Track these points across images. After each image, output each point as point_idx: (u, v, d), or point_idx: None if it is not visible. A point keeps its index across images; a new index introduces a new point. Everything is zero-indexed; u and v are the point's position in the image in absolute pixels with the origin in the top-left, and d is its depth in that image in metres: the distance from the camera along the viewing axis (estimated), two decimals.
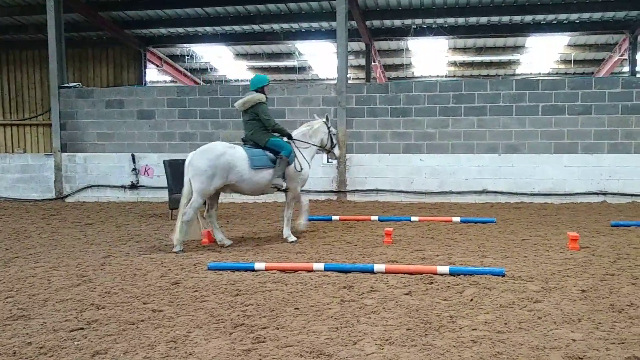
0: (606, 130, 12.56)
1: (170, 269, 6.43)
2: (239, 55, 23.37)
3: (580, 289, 5.28)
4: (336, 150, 9.11)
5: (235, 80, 26.97)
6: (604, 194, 12.57)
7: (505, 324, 4.35)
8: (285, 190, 8.29)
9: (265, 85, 8.43)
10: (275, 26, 19.16)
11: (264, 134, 8.17)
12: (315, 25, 18.99)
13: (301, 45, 21.50)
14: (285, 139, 8.37)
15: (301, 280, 5.79)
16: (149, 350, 3.92)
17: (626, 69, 21.03)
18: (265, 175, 8.00)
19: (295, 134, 8.59)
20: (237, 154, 7.86)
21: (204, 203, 8.07)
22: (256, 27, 19.34)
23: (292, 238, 8.23)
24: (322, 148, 8.92)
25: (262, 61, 24.08)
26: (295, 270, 6.17)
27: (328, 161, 13.43)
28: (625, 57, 20.01)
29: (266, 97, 8.34)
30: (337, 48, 14.00)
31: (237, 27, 19.45)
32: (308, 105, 13.65)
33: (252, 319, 4.55)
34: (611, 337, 4.01)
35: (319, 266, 6.19)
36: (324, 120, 8.91)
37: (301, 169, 8.33)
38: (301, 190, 8.60)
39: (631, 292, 5.17)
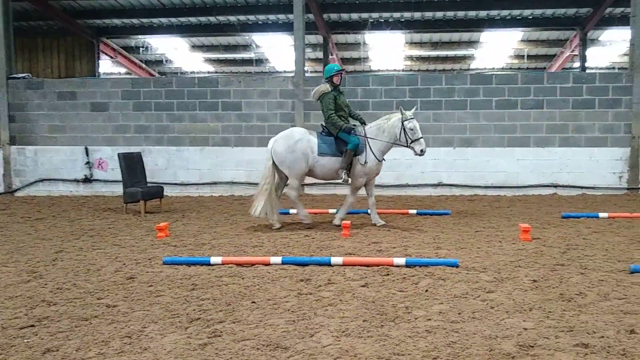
0: (557, 124, 12.87)
1: (124, 264, 6.33)
2: (195, 47, 23.10)
3: (532, 279, 5.42)
4: (416, 146, 8.39)
5: (191, 73, 26.65)
6: (555, 186, 12.88)
7: (459, 313, 4.43)
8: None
9: (335, 75, 8.63)
10: (232, 18, 19.00)
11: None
12: (272, 17, 18.91)
13: (258, 38, 21.38)
14: (359, 129, 8.61)
15: (258, 273, 5.77)
16: (102, 346, 3.85)
17: (577, 64, 21.59)
18: (331, 162, 8.46)
19: (370, 125, 8.71)
20: (311, 140, 8.49)
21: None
22: (212, 19, 19.15)
23: (339, 222, 8.51)
24: (398, 143, 8.53)
25: (219, 53, 23.87)
26: (252, 264, 6.14)
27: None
28: (576, 53, 20.56)
29: (336, 86, 8.66)
30: (294, 41, 13.95)
31: (193, 19, 19.22)
32: (265, 98, 13.58)
33: (209, 313, 4.52)
34: (560, 325, 4.13)
35: (277, 259, 6.18)
36: (401, 114, 8.46)
37: (365, 162, 8.45)
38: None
39: (580, 282, 5.33)
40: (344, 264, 6.04)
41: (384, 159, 8.73)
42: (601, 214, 9.27)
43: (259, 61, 24.66)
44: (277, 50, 22.80)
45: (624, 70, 15.08)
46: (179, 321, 4.34)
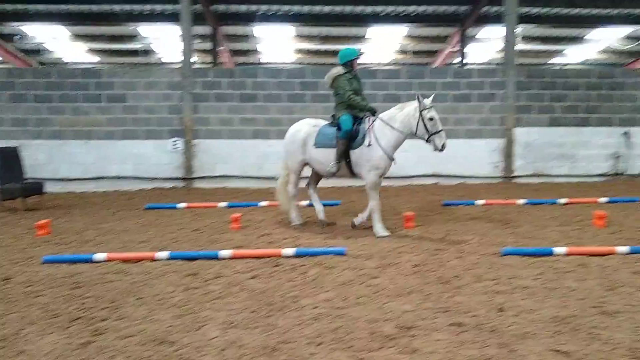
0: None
1: (0, 265, 5.98)
2: (78, 36, 22.01)
3: (413, 264, 5.68)
4: (437, 140, 7.13)
5: (73, 63, 25.37)
6: (437, 176, 13.52)
7: (344, 300, 4.58)
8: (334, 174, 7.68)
9: (354, 59, 7.74)
10: (116, 7, 18.26)
11: (341, 110, 7.67)
12: (158, 7, 18.36)
13: (144, 28, 20.72)
14: (368, 117, 7.55)
15: (144, 269, 5.65)
16: None
17: (458, 60, 22.69)
18: (327, 155, 7.58)
19: (383, 114, 7.55)
20: (312, 131, 7.82)
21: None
22: (94, 8, 18.29)
23: (383, 232, 7.29)
24: (413, 135, 7.35)
25: (103, 44, 22.92)
26: (139, 260, 6.00)
27: (174, 147, 13.15)
28: (457, 49, 21.61)
29: (353, 71, 7.72)
30: (181, 31, 13.67)
31: (73, 7, 18.25)
32: (152, 89, 13.23)
33: (91, 312, 4.38)
34: (438, 307, 4.37)
35: (164, 255, 6.07)
36: (419, 102, 7.20)
37: (370, 155, 7.35)
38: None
39: (457, 265, 5.66)
40: (233, 257, 6.04)
41: (394, 159, 7.56)
42: (478, 202, 9.87)
43: (146, 52, 23.91)
44: (165, 41, 22.20)
45: (499, 66, 16.05)
46: (59, 321, 4.17)
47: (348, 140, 7.41)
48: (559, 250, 6.04)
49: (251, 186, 13.24)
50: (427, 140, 7.24)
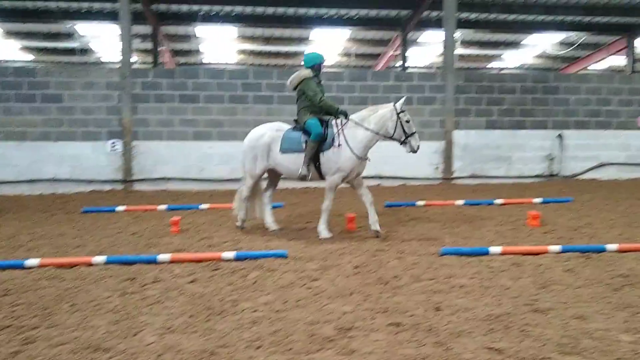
0: None
1: None
2: (11, 33, 21.21)
3: (354, 265, 5.73)
4: (413, 142, 7.32)
5: (5, 61, 24.43)
6: (380, 177, 13.66)
7: (284, 302, 4.57)
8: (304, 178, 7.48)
9: (320, 63, 7.78)
10: (52, 4, 17.69)
11: (305, 113, 7.55)
12: (96, 5, 17.85)
13: (82, 27, 20.13)
14: (340, 119, 7.49)
15: (80, 275, 5.49)
16: None
17: (400, 63, 23.03)
18: (295, 160, 7.41)
19: (354, 115, 7.56)
20: (276, 136, 7.61)
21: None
22: (29, 4, 17.67)
23: (325, 234, 7.34)
24: (388, 137, 7.42)
25: (38, 41, 22.16)
26: (74, 265, 5.82)
27: (112, 149, 12.84)
28: (399, 52, 21.93)
29: (317, 75, 7.70)
30: (120, 30, 13.35)
31: (5, 3, 17.58)
32: (90, 89, 12.87)
33: (22, 320, 4.22)
34: (377, 307, 4.42)
35: (100, 259, 5.91)
36: (395, 104, 7.38)
37: (338, 156, 7.30)
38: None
39: (396, 265, 5.74)
40: (172, 261, 5.95)
41: (368, 157, 7.60)
42: (418, 202, 10.04)
43: (84, 51, 23.24)
44: (103, 40, 21.64)
45: (439, 70, 16.38)
46: None
47: (318, 143, 7.36)
48: (495, 249, 6.21)
49: (192, 188, 13.06)
50: (403, 142, 7.38)
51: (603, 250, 6.23)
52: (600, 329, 3.95)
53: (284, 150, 7.52)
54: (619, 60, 25.10)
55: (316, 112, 7.58)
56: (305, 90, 7.59)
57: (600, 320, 4.12)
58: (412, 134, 7.34)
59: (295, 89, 7.79)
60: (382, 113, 7.41)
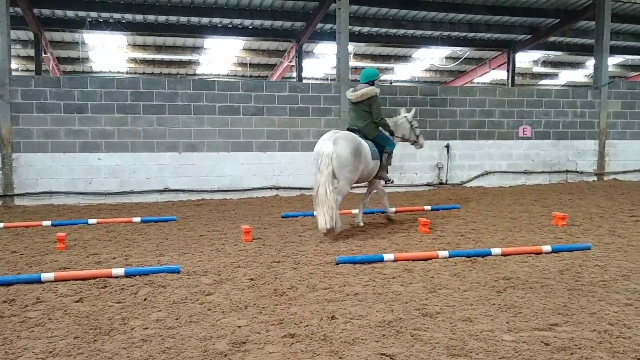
0: (277, 130, 13.66)
1: None
2: None
3: (249, 278, 5.65)
4: (421, 140, 9.51)
5: None
6: (277, 188, 13.65)
7: (177, 319, 4.42)
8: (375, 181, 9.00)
9: (376, 79, 8.67)
10: None
11: (375, 127, 8.56)
12: None
13: None
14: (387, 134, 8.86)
15: None
16: None
17: (296, 74, 23.23)
18: (375, 166, 8.49)
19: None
20: (364, 143, 8.21)
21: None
22: None
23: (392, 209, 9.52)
24: (405, 140, 9.45)
25: None
26: None
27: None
28: (294, 63, 22.11)
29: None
30: None
31: None
32: None
33: None
34: (272, 319, 4.37)
35: None
36: (406, 115, 9.43)
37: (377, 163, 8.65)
38: None
39: (292, 276, 5.72)
40: (56, 280, 5.60)
41: None
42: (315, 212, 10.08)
43: None
44: None
45: (333, 82, 16.65)
46: None
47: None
48: (388, 256, 6.34)
49: (80, 202, 12.43)
50: (414, 142, 9.47)
51: (488, 254, 6.54)
52: (485, 330, 4.12)
53: (373, 157, 8.40)
54: (500, 74, 26.68)
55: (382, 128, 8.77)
56: (372, 106, 8.43)
57: (485, 322, 4.30)
58: (420, 134, 9.46)
59: (361, 102, 8.47)
60: (400, 124, 9.30)
